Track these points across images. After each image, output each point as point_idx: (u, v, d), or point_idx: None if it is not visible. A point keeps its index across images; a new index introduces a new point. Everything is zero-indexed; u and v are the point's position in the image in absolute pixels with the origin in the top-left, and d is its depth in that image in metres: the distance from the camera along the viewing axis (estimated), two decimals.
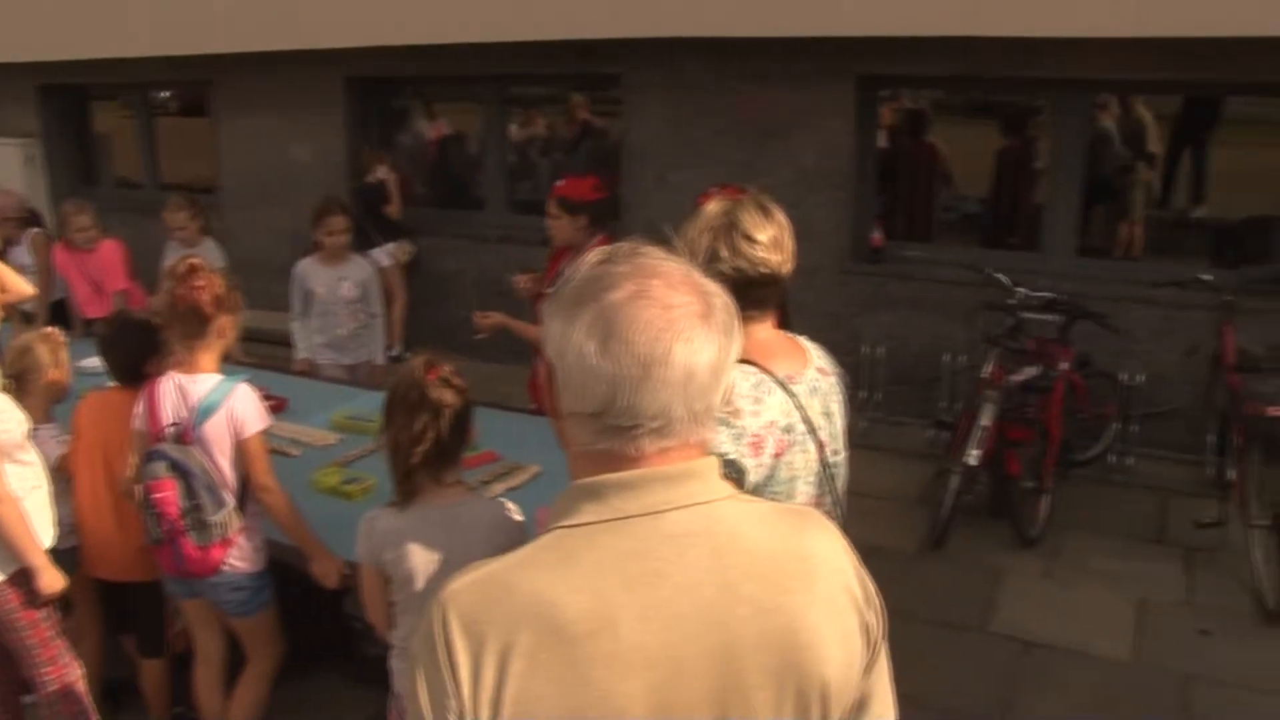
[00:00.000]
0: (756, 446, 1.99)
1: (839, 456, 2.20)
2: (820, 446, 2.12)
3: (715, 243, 2.04)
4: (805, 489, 2.10)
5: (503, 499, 2.75)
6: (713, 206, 2.08)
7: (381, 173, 7.57)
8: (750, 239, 2.04)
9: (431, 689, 1.13)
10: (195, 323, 3.03)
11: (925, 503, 5.24)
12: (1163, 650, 4.10)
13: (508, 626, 1.11)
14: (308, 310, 5.19)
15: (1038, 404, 5.09)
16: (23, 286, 3.56)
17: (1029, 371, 5.06)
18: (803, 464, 2.09)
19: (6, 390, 3.27)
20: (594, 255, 1.23)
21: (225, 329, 3.10)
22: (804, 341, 2.21)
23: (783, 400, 2.05)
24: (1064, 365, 5.21)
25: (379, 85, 8.29)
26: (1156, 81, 5.82)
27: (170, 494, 3.00)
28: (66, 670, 3.21)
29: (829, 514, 2.17)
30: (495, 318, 4.30)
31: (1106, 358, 5.70)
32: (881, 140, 6.73)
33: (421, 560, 2.54)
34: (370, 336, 5.33)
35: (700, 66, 6.68)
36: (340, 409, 4.42)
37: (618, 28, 6.40)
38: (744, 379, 2.01)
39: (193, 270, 3.04)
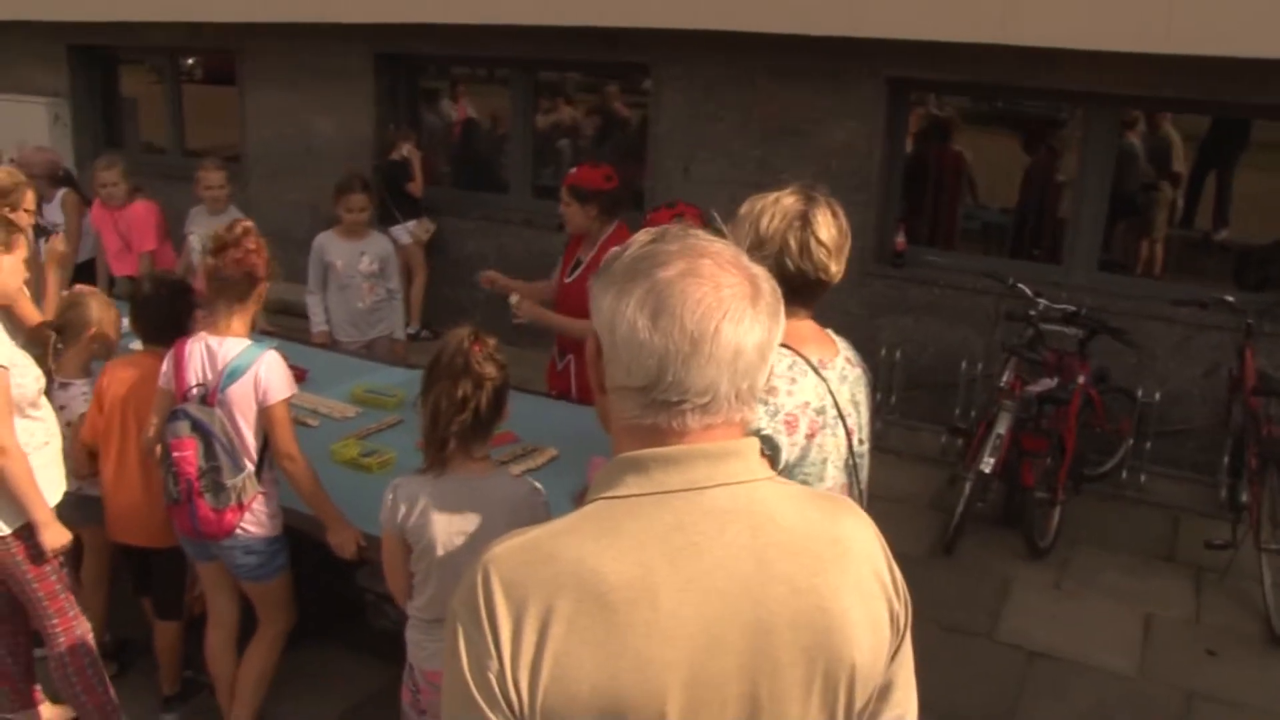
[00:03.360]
0: (791, 425, 2.02)
1: (864, 447, 2.24)
2: (848, 434, 2.16)
3: (788, 237, 2.06)
4: (834, 473, 2.14)
5: (527, 477, 2.76)
6: (789, 199, 2.10)
7: (406, 150, 7.58)
8: (820, 242, 2.07)
9: (472, 649, 1.14)
10: (246, 287, 3.05)
11: (937, 508, 5.25)
12: (1168, 667, 4.10)
13: (549, 591, 1.12)
14: (326, 283, 5.20)
15: (1054, 416, 5.09)
16: (33, 314, 3.61)
17: (1046, 383, 5.06)
18: (833, 447, 2.12)
19: (48, 340, 3.31)
20: (643, 234, 1.25)
21: (263, 294, 3.12)
22: (831, 333, 2.25)
23: (816, 383, 2.09)
24: (1082, 379, 5.20)
25: (407, 63, 8.29)
26: (1184, 100, 5.80)
27: (190, 454, 3.02)
28: (75, 623, 3.23)
29: (856, 499, 2.22)
30: (534, 308, 4.26)
31: (1124, 373, 5.69)
32: (907, 144, 6.72)
33: (444, 531, 2.56)
34: (389, 312, 5.34)
35: (726, 60, 6.67)
36: (360, 382, 4.44)
37: (644, 18, 6.39)
38: (779, 359, 2.04)
39: (246, 233, 3.06)
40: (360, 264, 5.18)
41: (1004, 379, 5.39)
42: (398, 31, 7.46)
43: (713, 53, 6.66)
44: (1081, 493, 5.39)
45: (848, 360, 2.22)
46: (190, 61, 9.83)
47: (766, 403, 1.99)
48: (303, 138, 8.54)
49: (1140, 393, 5.66)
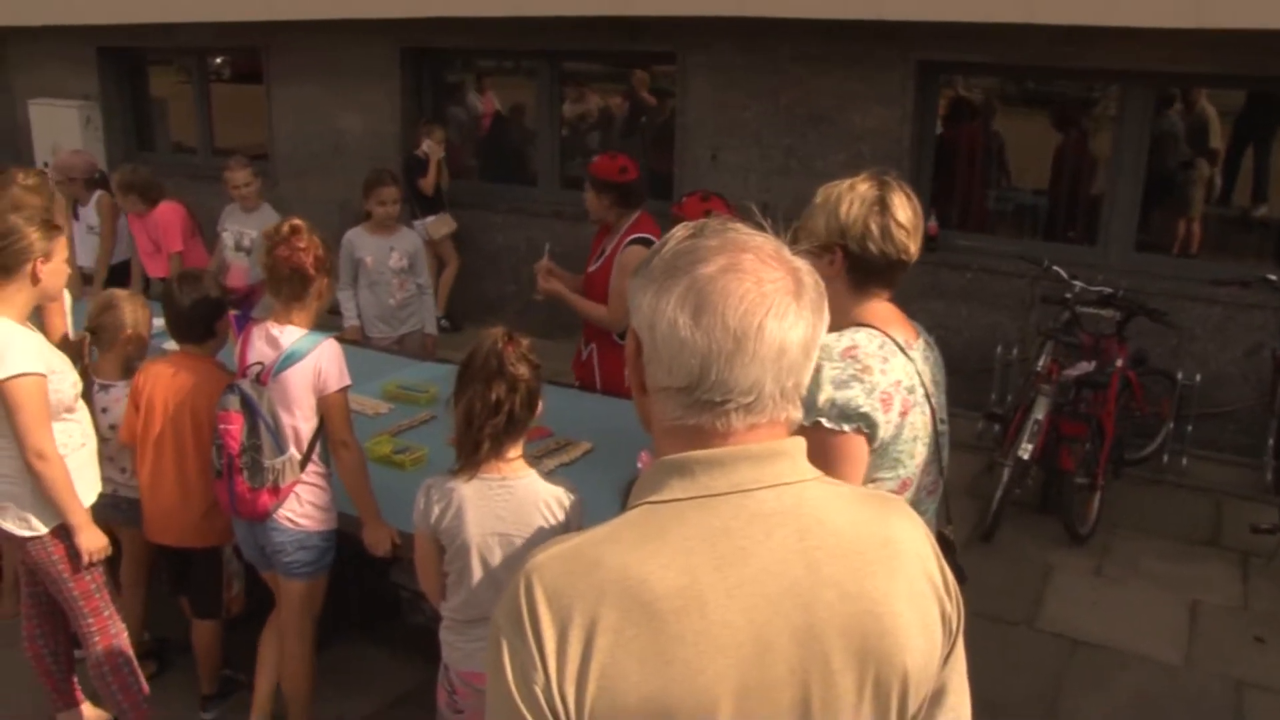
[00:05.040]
0: (886, 403, 2.05)
1: (944, 426, 2.27)
2: (933, 412, 2.19)
3: (869, 222, 2.09)
4: (923, 451, 2.17)
5: (561, 477, 2.74)
6: (863, 186, 2.12)
7: (426, 146, 7.57)
8: (899, 224, 2.10)
9: (516, 661, 1.11)
10: (298, 284, 3.06)
11: (974, 495, 5.18)
12: (1215, 655, 4.03)
13: (594, 601, 1.09)
14: (356, 279, 5.21)
15: (1092, 400, 5.02)
16: (61, 325, 3.64)
17: (1084, 366, 4.99)
18: (922, 425, 2.15)
19: (83, 342, 3.33)
20: (681, 230, 1.21)
21: (324, 290, 3.13)
22: (908, 317, 2.28)
23: (904, 362, 2.12)
24: (1120, 361, 5.13)
25: (433, 57, 8.29)
26: (1220, 75, 5.69)
27: (235, 428, 3.05)
28: (110, 623, 3.25)
29: (936, 480, 2.26)
30: (555, 285, 4.27)
31: (1163, 355, 5.60)
32: (938, 127, 6.63)
33: (477, 532, 2.55)
34: (419, 307, 5.35)
35: (752, 47, 6.61)
36: (391, 378, 4.44)
37: (670, 5, 6.35)
38: (870, 340, 2.09)
39: (295, 231, 3.06)
40: (390, 259, 5.18)
41: (1040, 363, 5.32)
42: (423, 26, 7.46)
43: (738, 39, 6.60)
44: (1122, 477, 5.31)
45: (927, 343, 2.26)
46: (218, 61, 9.88)
47: (862, 380, 2.02)
48: (329, 134, 8.57)
49: (1180, 375, 5.57)
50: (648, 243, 4.16)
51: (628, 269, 4.13)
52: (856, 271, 2.12)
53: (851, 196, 2.11)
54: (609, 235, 4.31)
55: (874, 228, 2.09)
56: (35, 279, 3.01)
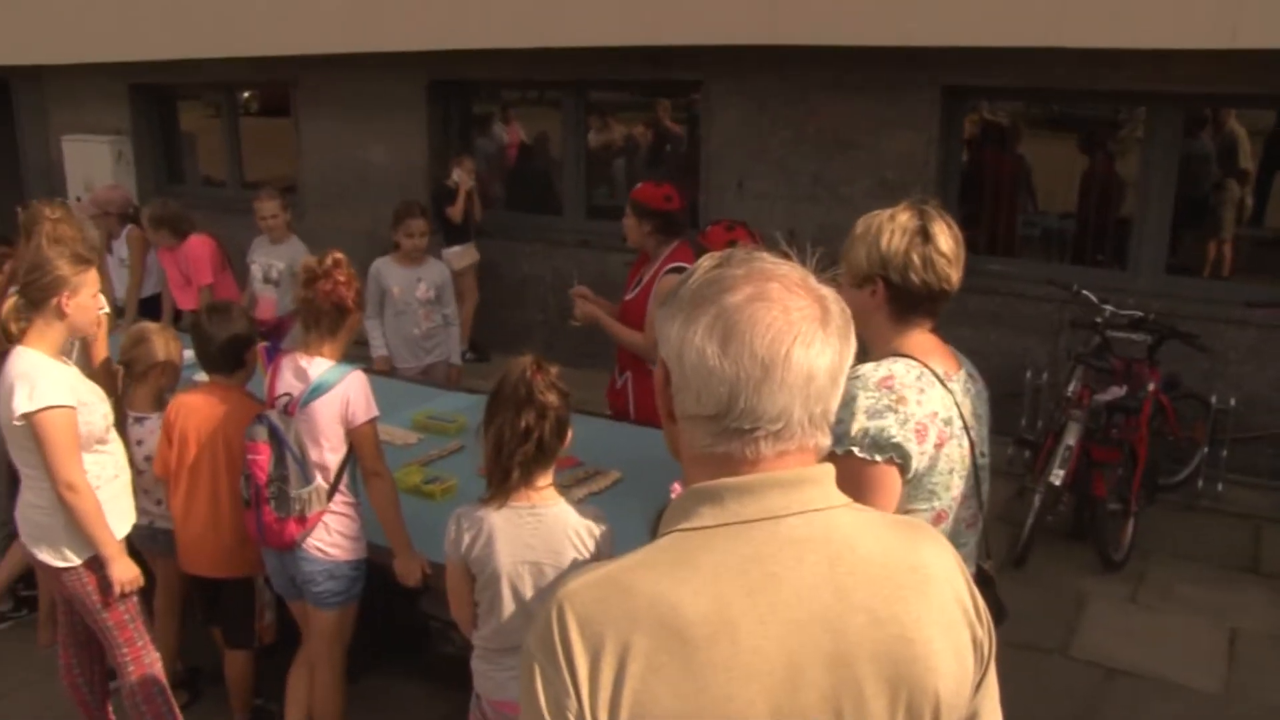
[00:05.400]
0: (921, 434, 2.03)
1: (985, 460, 2.25)
2: (972, 445, 2.17)
3: (910, 253, 2.08)
4: (959, 484, 2.14)
5: (590, 506, 2.74)
6: (904, 216, 2.12)
7: (456, 175, 7.63)
8: (940, 254, 2.09)
9: (549, 688, 1.12)
10: (337, 318, 3.09)
11: (1005, 520, 5.13)
12: (1257, 685, 3.96)
13: (626, 628, 1.10)
14: (382, 309, 5.24)
15: (1124, 425, 4.97)
16: (102, 352, 3.69)
17: (1115, 391, 4.94)
18: (959, 458, 2.13)
19: (116, 377, 3.37)
20: (707, 260, 1.23)
21: (356, 324, 3.17)
22: (952, 348, 2.27)
23: (942, 394, 2.10)
24: (1152, 386, 5.07)
25: (459, 89, 8.37)
26: (1251, 95, 5.65)
27: (263, 458, 3.09)
28: (144, 652, 3.27)
29: (975, 514, 2.24)
30: (592, 308, 4.26)
31: (1197, 379, 5.54)
32: (963, 152, 6.63)
33: (508, 561, 2.54)
34: (445, 338, 5.38)
35: (778, 74, 6.64)
36: (420, 408, 4.46)
37: (696, 35, 6.38)
38: (907, 370, 2.08)
39: (337, 265, 3.09)
40: (417, 290, 5.22)
41: (1070, 388, 5.27)
42: (450, 58, 7.54)
43: (764, 67, 6.63)
44: (1156, 503, 5.25)
45: (969, 375, 2.24)
46: (246, 95, 10.02)
47: (896, 410, 2.01)
48: (357, 166, 8.66)
49: (1214, 398, 5.51)
50: None
51: (664, 297, 4.10)
52: (898, 302, 2.11)
53: (892, 227, 2.10)
54: (647, 264, 4.29)
55: (916, 258, 2.08)
56: (61, 313, 3.04)
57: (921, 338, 2.16)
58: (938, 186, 6.34)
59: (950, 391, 2.12)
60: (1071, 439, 4.73)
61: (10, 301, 3.08)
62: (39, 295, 3.02)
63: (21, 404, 2.91)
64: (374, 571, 3.22)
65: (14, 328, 3.06)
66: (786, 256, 1.25)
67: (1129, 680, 3.99)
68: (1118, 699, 3.89)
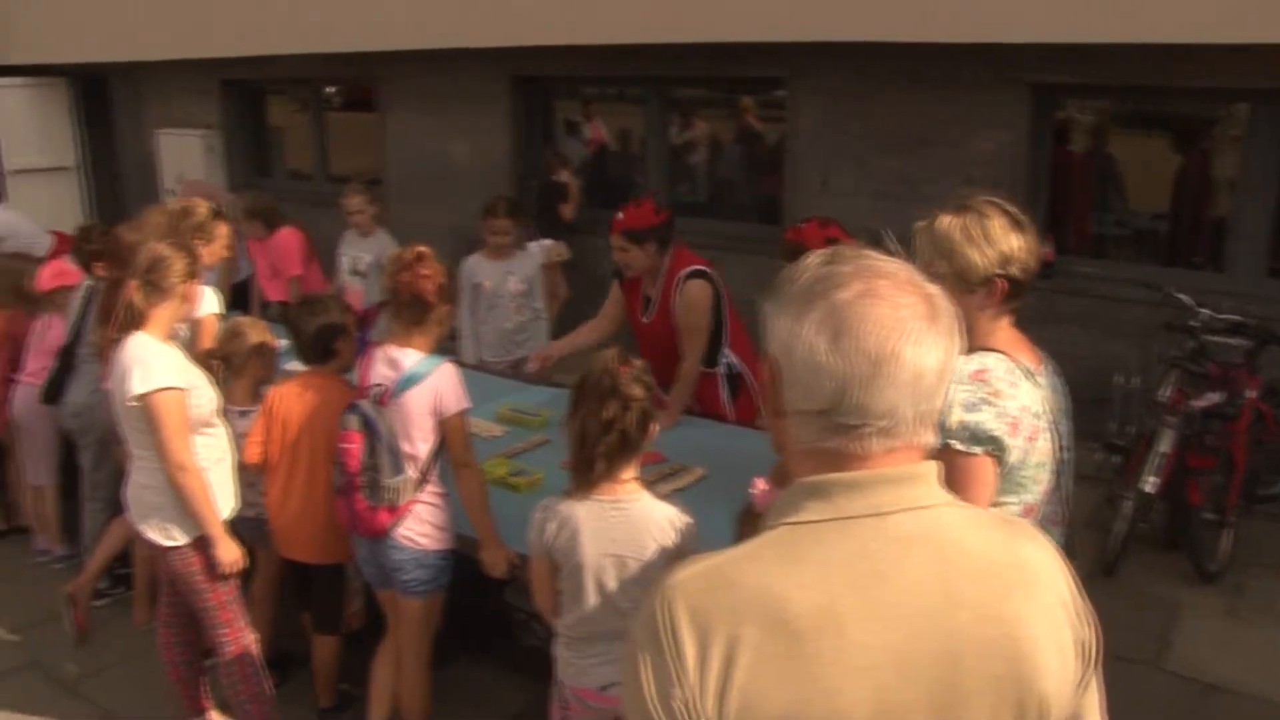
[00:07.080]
0: (1014, 427, 2.06)
1: (1068, 454, 2.26)
2: (1058, 440, 2.19)
3: (1014, 241, 2.11)
4: (1047, 477, 2.17)
5: (673, 500, 2.74)
6: (989, 209, 2.13)
7: (566, 175, 7.65)
8: (1027, 245, 2.14)
9: (657, 676, 1.13)
10: (419, 310, 3.13)
11: (1093, 527, 5.01)
12: None
13: (734, 619, 1.11)
14: (475, 303, 5.30)
15: (1221, 432, 4.82)
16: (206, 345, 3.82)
17: (1212, 397, 4.79)
18: (1048, 452, 2.15)
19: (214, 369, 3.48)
20: (815, 257, 1.23)
21: (444, 318, 3.19)
22: (1033, 344, 2.28)
23: (1031, 388, 2.13)
24: (1251, 393, 4.91)
25: (542, 85, 8.42)
26: None
27: (355, 447, 3.14)
28: (242, 633, 3.37)
29: (1059, 511, 2.27)
30: (671, 413, 4.16)
31: None
32: (1052, 151, 6.48)
33: (592, 552, 2.56)
34: (535, 331, 5.43)
35: (863, 71, 6.55)
36: (506, 401, 4.50)
37: (781, 31, 6.32)
38: (999, 364, 2.10)
39: (420, 258, 3.14)
40: (508, 284, 5.28)
41: (1164, 393, 5.12)
42: (531, 54, 7.58)
43: (849, 64, 6.56)
44: (1255, 513, 5.08)
45: (1053, 370, 2.27)
46: (331, 90, 10.21)
47: (992, 404, 2.04)
48: (441, 161, 8.76)
49: None
50: (704, 274, 4.13)
51: (696, 304, 4.11)
52: (1010, 298, 2.13)
53: (991, 225, 2.12)
54: (649, 281, 4.28)
55: (1026, 250, 2.12)
56: (181, 299, 3.21)
57: (1008, 333, 2.18)
58: (1026, 186, 6.21)
59: (1039, 385, 2.14)
60: (1166, 445, 4.60)
61: (136, 285, 3.21)
62: (163, 282, 3.16)
63: (137, 385, 3.03)
64: (461, 562, 3.26)
65: (145, 310, 3.19)
66: (890, 254, 1.25)
67: (1229, 697, 3.86)
68: (1215, 715, 3.77)
